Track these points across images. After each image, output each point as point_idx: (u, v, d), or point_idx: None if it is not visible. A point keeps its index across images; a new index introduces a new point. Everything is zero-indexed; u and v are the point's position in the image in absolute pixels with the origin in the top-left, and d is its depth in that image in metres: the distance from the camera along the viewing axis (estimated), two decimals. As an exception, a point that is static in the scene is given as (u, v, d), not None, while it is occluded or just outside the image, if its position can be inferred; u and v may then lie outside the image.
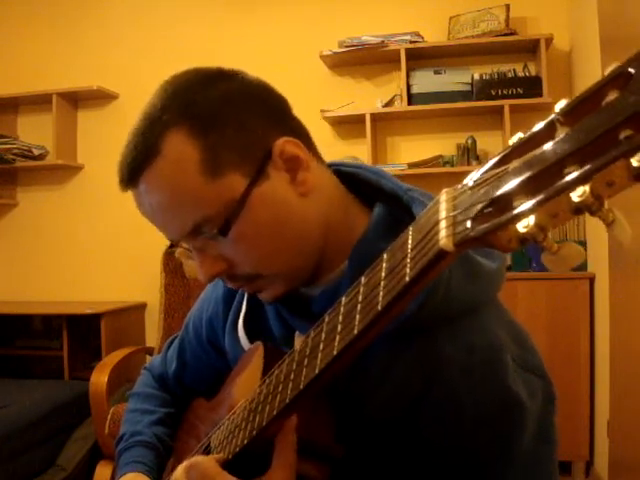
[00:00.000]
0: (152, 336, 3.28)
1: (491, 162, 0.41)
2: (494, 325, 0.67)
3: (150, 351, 3.09)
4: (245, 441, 0.65)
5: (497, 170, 0.40)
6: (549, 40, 2.99)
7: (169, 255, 3.04)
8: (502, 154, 0.40)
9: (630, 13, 2.12)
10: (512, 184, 0.37)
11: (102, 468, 2.55)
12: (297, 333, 0.76)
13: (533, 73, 3.08)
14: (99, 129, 3.54)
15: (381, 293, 0.49)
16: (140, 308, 3.42)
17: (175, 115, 0.65)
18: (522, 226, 0.36)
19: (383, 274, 0.50)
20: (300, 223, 0.69)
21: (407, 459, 0.68)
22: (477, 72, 3.09)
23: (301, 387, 0.58)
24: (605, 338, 2.42)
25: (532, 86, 2.98)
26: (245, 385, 0.74)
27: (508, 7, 3.05)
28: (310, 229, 0.70)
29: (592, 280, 2.69)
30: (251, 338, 0.82)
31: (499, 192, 0.38)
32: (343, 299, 0.56)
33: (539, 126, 0.38)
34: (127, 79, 3.50)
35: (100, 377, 2.55)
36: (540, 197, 0.35)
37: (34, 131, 3.56)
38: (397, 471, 0.69)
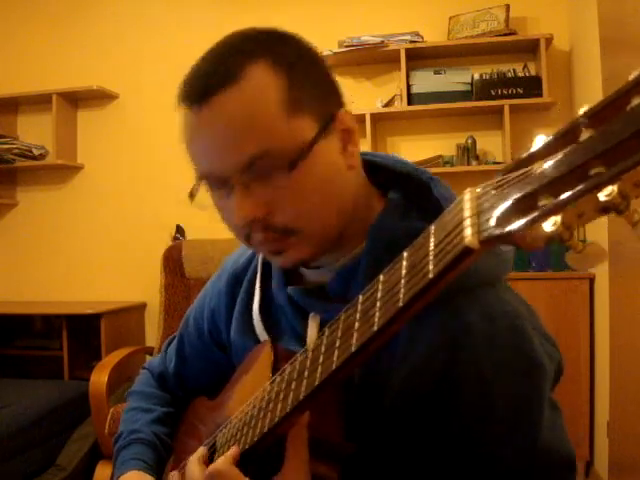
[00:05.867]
0: (152, 336, 3.28)
1: (514, 163, 0.41)
2: (511, 298, 0.70)
3: (150, 351, 3.09)
4: (255, 438, 0.65)
5: (521, 171, 0.40)
6: (549, 40, 2.99)
7: (169, 254, 3.04)
8: (525, 156, 0.41)
9: (630, 13, 2.12)
10: (538, 184, 0.37)
11: (102, 468, 2.54)
12: (312, 315, 0.73)
13: (533, 73, 3.08)
14: (99, 129, 3.54)
15: (402, 290, 0.48)
16: (140, 308, 3.42)
17: (260, 49, 0.66)
18: (549, 225, 0.37)
19: (404, 272, 0.49)
20: (343, 189, 0.70)
21: (423, 454, 0.68)
22: (477, 72, 3.09)
23: (316, 383, 0.57)
24: (605, 338, 2.42)
25: (532, 86, 2.98)
26: (252, 384, 0.74)
27: (508, 7, 3.05)
28: (347, 198, 0.71)
29: (592, 280, 2.69)
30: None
31: (525, 192, 0.38)
32: (360, 297, 0.56)
33: (563, 129, 0.38)
34: (127, 79, 3.50)
35: (100, 377, 2.55)
36: (567, 196, 0.35)
37: (34, 131, 3.55)
38: (408, 469, 0.69)
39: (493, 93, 3.02)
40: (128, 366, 3.03)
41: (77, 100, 3.55)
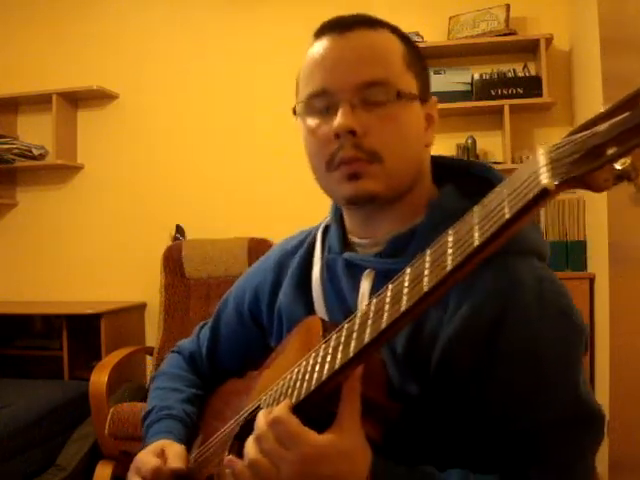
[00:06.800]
0: (152, 336, 3.28)
1: (579, 126, 0.47)
2: None
3: (150, 351, 3.09)
4: (312, 388, 0.65)
5: (586, 132, 0.46)
6: (549, 40, 2.99)
7: (169, 254, 3.04)
8: (585, 123, 0.47)
9: (630, 13, 2.12)
10: (606, 137, 0.44)
11: (102, 468, 2.55)
12: (366, 272, 0.80)
13: (533, 73, 3.08)
14: (99, 129, 3.54)
15: (476, 234, 0.51)
16: (140, 308, 3.42)
17: (384, 24, 0.84)
18: (619, 164, 0.44)
19: (476, 220, 0.53)
20: (417, 154, 0.82)
21: (465, 415, 0.72)
22: (477, 72, 3.09)
23: (383, 327, 0.58)
24: (605, 338, 2.41)
25: (532, 86, 2.98)
26: (297, 354, 0.75)
27: (508, 7, 3.05)
28: (417, 166, 0.82)
29: (592, 280, 2.69)
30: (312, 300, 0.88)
31: (595, 142, 0.44)
32: (428, 250, 0.58)
33: (623, 99, 0.44)
34: (127, 79, 3.50)
35: (100, 377, 2.55)
36: (634, 142, 0.42)
37: (34, 131, 3.55)
38: (450, 430, 0.72)
39: (493, 93, 3.01)
40: (128, 366, 3.03)
41: (77, 100, 3.55)
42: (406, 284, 0.58)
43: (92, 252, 3.52)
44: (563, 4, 3.10)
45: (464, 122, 3.16)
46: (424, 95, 0.83)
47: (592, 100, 2.64)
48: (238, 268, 2.98)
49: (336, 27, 0.81)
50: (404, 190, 0.81)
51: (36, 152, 3.45)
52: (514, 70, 3.07)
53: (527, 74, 3.07)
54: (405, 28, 3.26)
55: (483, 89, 3.03)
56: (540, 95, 2.96)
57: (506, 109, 2.97)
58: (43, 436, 2.62)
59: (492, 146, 3.16)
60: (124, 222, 3.47)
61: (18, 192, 3.65)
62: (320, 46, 0.81)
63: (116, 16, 3.54)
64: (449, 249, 0.54)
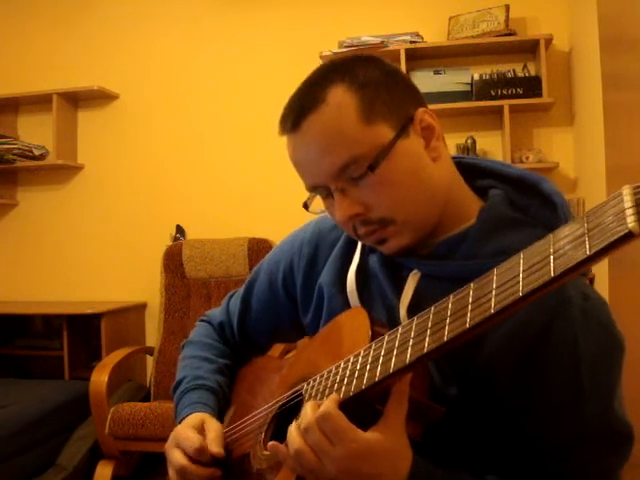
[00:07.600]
0: (152, 336, 3.28)
1: None
2: None
3: (150, 351, 3.09)
4: (363, 387, 0.66)
5: None
6: (548, 40, 2.99)
7: (169, 254, 3.04)
8: None
9: (630, 13, 2.12)
10: None
11: (102, 468, 2.55)
12: (412, 273, 0.82)
13: (533, 73, 3.09)
14: (99, 129, 3.54)
15: (552, 264, 0.52)
16: (140, 308, 3.42)
17: (337, 76, 0.78)
18: None
19: (551, 250, 0.54)
20: (430, 180, 0.80)
21: (500, 422, 0.73)
22: (477, 72, 3.09)
23: (445, 339, 0.59)
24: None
25: (532, 86, 2.99)
26: (341, 347, 0.76)
27: (508, 7, 3.06)
28: (437, 188, 0.80)
29: (592, 280, 2.69)
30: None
31: None
32: (495, 270, 0.59)
33: None
34: (128, 79, 3.50)
35: (100, 377, 2.56)
36: None
37: (34, 131, 3.56)
38: (483, 435, 0.74)
39: (493, 93, 3.02)
40: (128, 366, 3.04)
41: (77, 100, 3.56)
42: (470, 300, 0.59)
43: (92, 252, 3.52)
44: (563, 4, 3.11)
45: (464, 122, 3.16)
46: (405, 120, 0.79)
47: (592, 100, 2.64)
48: (238, 268, 2.98)
49: (287, 124, 0.80)
50: (434, 221, 0.81)
51: (37, 152, 3.46)
52: (514, 70, 3.07)
53: (527, 74, 3.07)
54: (405, 28, 3.26)
55: (483, 89, 3.03)
56: (540, 95, 2.96)
57: (506, 109, 2.97)
58: (43, 436, 2.62)
59: (492, 146, 3.16)
60: (124, 222, 3.47)
61: (18, 192, 3.65)
62: (287, 146, 0.82)
63: (116, 17, 3.54)
64: (521, 273, 0.55)
